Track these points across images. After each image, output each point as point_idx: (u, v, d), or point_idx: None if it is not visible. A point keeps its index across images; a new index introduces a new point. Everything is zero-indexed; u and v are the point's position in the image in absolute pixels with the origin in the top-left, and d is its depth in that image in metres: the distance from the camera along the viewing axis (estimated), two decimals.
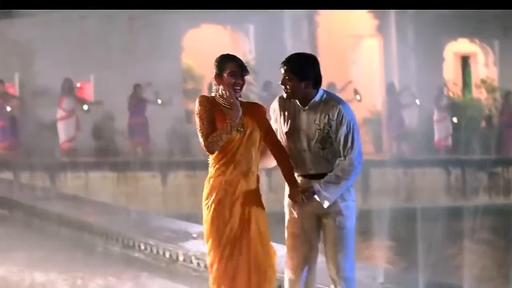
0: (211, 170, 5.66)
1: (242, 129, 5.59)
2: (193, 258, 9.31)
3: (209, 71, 20.82)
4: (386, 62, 23.74)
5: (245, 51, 22.13)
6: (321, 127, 5.67)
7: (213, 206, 5.58)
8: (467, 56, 25.98)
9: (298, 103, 5.78)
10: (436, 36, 23.49)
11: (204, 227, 5.68)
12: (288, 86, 5.72)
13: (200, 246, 9.69)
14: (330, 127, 5.67)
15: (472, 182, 19.94)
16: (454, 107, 22.71)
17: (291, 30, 22.00)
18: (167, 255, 9.74)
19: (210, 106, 5.60)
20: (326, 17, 23.28)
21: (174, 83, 21.27)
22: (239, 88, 5.62)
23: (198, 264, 9.23)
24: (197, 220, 11.77)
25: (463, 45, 25.05)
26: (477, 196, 19.86)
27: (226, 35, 23.00)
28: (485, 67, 25.30)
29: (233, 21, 22.55)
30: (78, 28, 21.05)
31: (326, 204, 5.64)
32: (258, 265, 5.61)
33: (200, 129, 5.59)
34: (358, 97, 20.92)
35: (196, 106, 5.64)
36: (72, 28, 20.98)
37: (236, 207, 5.60)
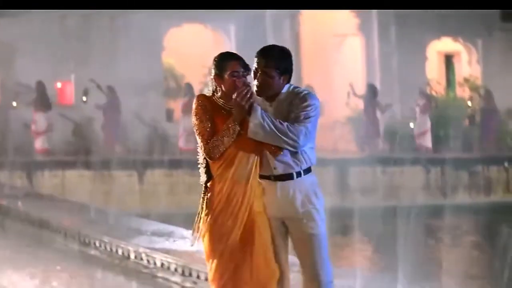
0: (203, 174, 5.22)
1: (242, 131, 5.12)
2: (143, 255, 9.32)
3: (190, 70, 20.94)
4: (368, 61, 23.73)
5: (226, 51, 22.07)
6: (285, 116, 5.18)
7: (214, 216, 5.14)
8: (451, 55, 25.96)
9: (263, 100, 5.27)
10: (419, 35, 23.50)
11: (204, 241, 5.19)
12: (263, 81, 5.21)
13: (152, 243, 9.74)
14: (292, 112, 5.19)
15: (452, 180, 19.92)
16: (436, 106, 22.69)
17: (273, 30, 21.99)
18: (120, 252, 9.75)
19: (210, 106, 5.18)
20: (308, 16, 23.29)
21: (154, 82, 21.31)
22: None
23: (148, 261, 9.25)
24: (173, 218, 11.90)
25: (446, 44, 25.03)
26: (457, 194, 19.85)
27: (207, 34, 23.00)
28: (468, 65, 25.28)
29: (214, 21, 22.55)
30: (59, 28, 21.08)
31: (249, 132, 5.10)
32: (258, 279, 5.15)
33: (199, 132, 5.17)
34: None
35: (194, 106, 5.21)
36: (53, 27, 21.01)
37: (239, 216, 5.15)
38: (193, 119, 5.21)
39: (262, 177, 5.26)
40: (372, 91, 21.20)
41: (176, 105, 21.46)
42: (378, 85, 22.64)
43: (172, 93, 21.79)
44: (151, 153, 19.98)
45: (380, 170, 19.57)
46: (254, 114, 5.10)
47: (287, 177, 5.23)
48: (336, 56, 24.22)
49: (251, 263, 5.13)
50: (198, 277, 8.39)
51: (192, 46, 21.84)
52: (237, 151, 5.16)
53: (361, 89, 22.17)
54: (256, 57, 5.24)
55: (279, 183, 5.23)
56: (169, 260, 8.85)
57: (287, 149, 5.14)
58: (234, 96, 5.08)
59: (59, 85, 21.37)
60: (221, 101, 5.20)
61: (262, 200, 5.22)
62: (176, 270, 8.73)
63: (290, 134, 5.08)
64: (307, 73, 22.59)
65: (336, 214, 8.22)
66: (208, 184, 5.19)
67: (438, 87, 23.87)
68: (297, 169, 5.23)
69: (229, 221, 5.13)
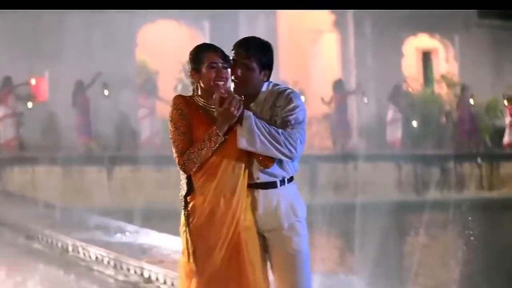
0: (185, 186, 4.58)
1: (226, 137, 4.49)
2: (80, 248, 9.35)
3: (164, 66, 20.86)
4: (343, 58, 23.71)
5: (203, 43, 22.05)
6: (268, 118, 4.60)
7: (194, 231, 4.51)
8: (429, 51, 25.95)
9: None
10: (395, 31, 23.48)
11: (182, 259, 4.60)
12: (243, 75, 4.62)
13: (92, 237, 9.77)
14: (276, 115, 4.61)
15: (424, 177, 19.92)
16: (412, 103, 22.70)
17: (248, 26, 21.99)
18: (59, 245, 9.78)
19: (187, 109, 4.52)
20: (284, 12, 23.27)
21: (127, 78, 21.30)
22: (222, 83, 4.57)
23: (84, 254, 9.28)
24: (132, 214, 11.96)
25: (424, 40, 25.02)
26: (428, 191, 19.84)
27: (181, 31, 22.98)
28: (446, 62, 25.27)
29: (188, 17, 22.54)
30: (33, 25, 21.08)
31: (241, 143, 4.50)
32: None
33: (173, 140, 4.52)
34: None
35: (171, 110, 4.56)
36: (27, 24, 21.02)
37: (223, 232, 4.51)
38: (169, 125, 4.55)
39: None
40: (339, 86, 21.16)
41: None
42: (353, 81, 22.63)
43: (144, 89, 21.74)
44: (119, 149, 20.02)
45: (352, 166, 19.56)
46: (246, 123, 4.49)
47: (271, 185, 4.66)
48: (313, 52, 24.21)
49: (239, 285, 4.52)
50: (128, 270, 8.43)
51: (166, 42, 21.84)
52: (220, 160, 4.53)
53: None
54: (234, 49, 4.65)
55: (261, 192, 4.65)
56: (102, 253, 8.88)
57: (280, 158, 4.58)
58: (215, 97, 4.46)
59: (33, 81, 21.34)
60: (201, 101, 4.59)
61: (250, 213, 4.62)
62: (109, 263, 8.77)
63: (287, 144, 4.53)
64: (284, 69, 22.58)
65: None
66: (188, 198, 4.55)
67: (414, 83, 23.85)
68: (281, 177, 4.67)
69: (211, 238, 4.51)
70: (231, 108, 4.43)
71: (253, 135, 4.48)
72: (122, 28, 21.38)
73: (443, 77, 24.30)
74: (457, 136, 21.54)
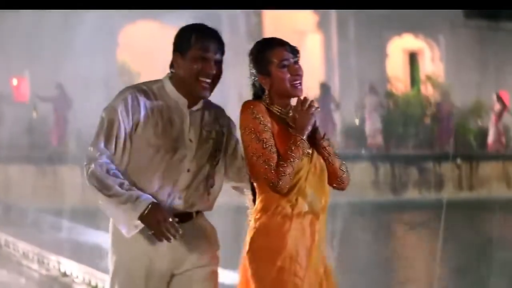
0: (258, 207, 3.69)
1: (310, 150, 3.70)
2: (11, 244, 9.42)
3: (146, 67, 20.72)
4: (327, 59, 23.68)
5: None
6: (213, 137, 3.84)
7: (280, 264, 3.59)
8: (415, 52, 25.87)
9: (182, 102, 3.79)
10: (379, 31, 23.43)
11: None
12: (217, 75, 3.80)
13: (27, 232, 9.84)
14: (223, 134, 3.89)
15: (402, 177, 19.87)
16: (395, 103, 22.66)
17: (230, 26, 21.99)
18: None
19: (267, 119, 3.66)
20: (268, 12, 23.26)
21: (109, 79, 21.34)
22: (299, 82, 3.76)
23: (14, 249, 9.34)
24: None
25: (409, 41, 24.95)
26: (406, 191, 19.81)
27: (163, 31, 22.97)
28: (431, 62, 25.19)
29: (170, 18, 22.51)
30: (13, 24, 21.18)
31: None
32: None
33: (259, 155, 3.60)
34: None
35: (245, 120, 3.66)
36: (7, 24, 21.11)
37: (312, 263, 3.66)
38: (246, 137, 3.65)
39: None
40: (324, 89, 21.13)
41: None
42: (336, 82, 22.59)
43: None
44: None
45: None
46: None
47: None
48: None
49: None
50: (48, 264, 8.49)
51: (148, 43, 21.86)
52: (306, 175, 3.69)
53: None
54: (205, 39, 3.75)
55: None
56: (28, 248, 8.95)
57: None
58: (298, 100, 3.69)
59: (15, 82, 21.48)
60: (277, 109, 3.74)
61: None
62: (33, 258, 8.84)
63: None
64: None
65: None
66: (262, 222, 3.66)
67: (398, 84, 23.79)
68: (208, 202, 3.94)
69: (300, 272, 3.62)
70: (310, 110, 3.68)
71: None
72: (103, 29, 21.41)
73: (428, 77, 24.23)
74: (438, 136, 21.51)
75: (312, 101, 3.71)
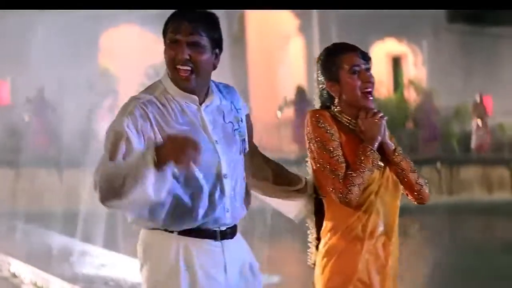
0: (327, 227, 3.47)
1: (382, 163, 3.44)
2: None
3: (128, 72, 20.66)
4: (309, 62, 23.68)
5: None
6: (229, 134, 3.34)
7: None
8: (398, 57, 25.91)
9: (190, 99, 3.26)
10: (361, 35, 23.36)
11: None
12: (198, 62, 3.21)
13: None
14: (242, 121, 3.42)
15: None
16: (378, 107, 22.54)
17: None
18: None
19: (334, 129, 3.44)
20: (252, 15, 23.29)
21: (90, 83, 21.36)
22: (370, 90, 3.52)
23: None
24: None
25: (392, 45, 24.98)
26: None
27: (145, 36, 23.00)
28: (414, 67, 25.23)
29: (152, 22, 22.51)
30: None
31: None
32: None
33: (326, 166, 3.39)
34: None
35: (311, 128, 3.45)
36: None
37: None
38: (313, 146, 3.46)
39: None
40: (300, 93, 21.13)
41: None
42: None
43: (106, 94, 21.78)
44: (83, 153, 20.01)
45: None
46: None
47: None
48: (281, 56, 24.20)
49: None
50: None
51: (130, 47, 21.88)
52: (376, 191, 3.45)
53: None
54: (173, 23, 3.24)
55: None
56: None
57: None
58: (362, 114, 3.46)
59: None
60: (345, 119, 3.51)
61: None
62: None
63: None
64: (252, 73, 22.61)
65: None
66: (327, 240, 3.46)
67: (381, 89, 23.79)
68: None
69: None
70: (375, 118, 3.45)
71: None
72: (84, 33, 21.44)
73: (411, 82, 24.27)
74: (420, 141, 21.51)
75: (377, 110, 3.48)
